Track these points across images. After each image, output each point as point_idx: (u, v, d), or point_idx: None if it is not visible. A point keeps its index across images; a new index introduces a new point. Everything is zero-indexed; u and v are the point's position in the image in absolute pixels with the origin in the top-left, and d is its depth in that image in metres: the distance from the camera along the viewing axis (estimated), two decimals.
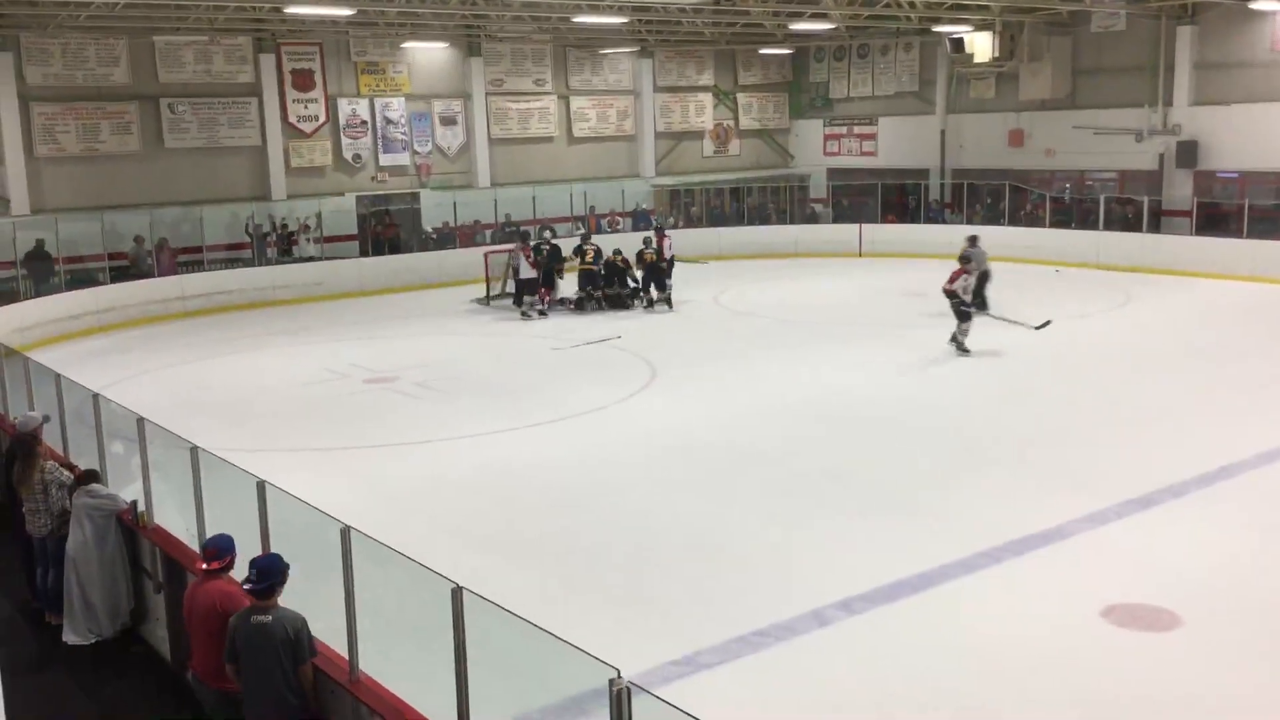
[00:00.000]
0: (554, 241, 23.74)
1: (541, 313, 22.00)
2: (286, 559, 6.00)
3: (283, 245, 25.68)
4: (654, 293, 22.25)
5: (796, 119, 35.68)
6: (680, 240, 28.27)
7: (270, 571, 5.81)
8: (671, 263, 22.61)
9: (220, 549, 6.29)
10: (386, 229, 27.34)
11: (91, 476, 8.47)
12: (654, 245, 22.43)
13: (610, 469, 12.36)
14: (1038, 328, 17.90)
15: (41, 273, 21.79)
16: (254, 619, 5.76)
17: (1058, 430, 13.22)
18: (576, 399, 15.23)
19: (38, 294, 21.16)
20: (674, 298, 22.32)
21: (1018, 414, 14.04)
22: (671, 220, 31.46)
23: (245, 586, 5.82)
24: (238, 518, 6.80)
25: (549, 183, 30.26)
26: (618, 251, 22.96)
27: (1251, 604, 8.48)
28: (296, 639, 5.72)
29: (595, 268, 22.48)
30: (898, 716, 7.11)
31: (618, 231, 28.89)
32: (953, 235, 28.17)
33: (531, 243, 23.13)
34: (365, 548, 5.67)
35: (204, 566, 6.30)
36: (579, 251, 22.86)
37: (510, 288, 23.19)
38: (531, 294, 22.14)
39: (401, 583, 6.10)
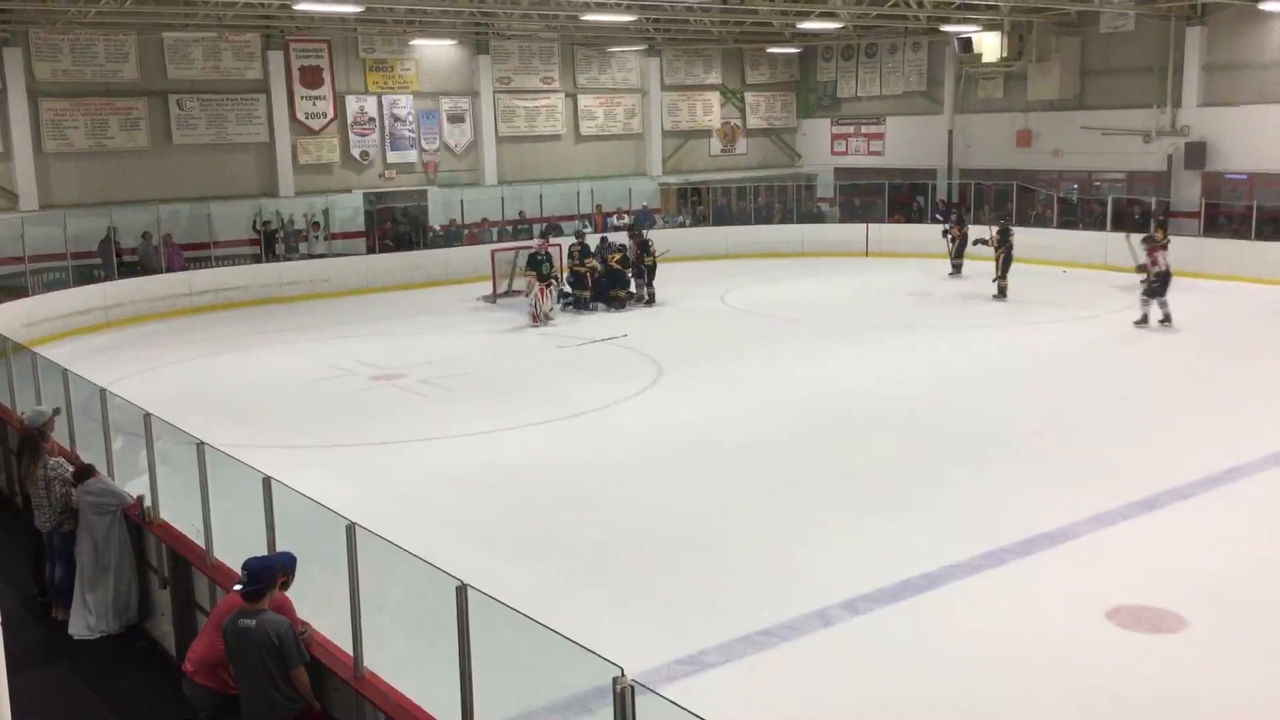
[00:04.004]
0: (585, 240, 23.64)
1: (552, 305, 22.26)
2: (292, 555, 5.99)
3: (290, 242, 25.71)
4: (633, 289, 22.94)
5: (804, 118, 35.63)
6: (687, 239, 28.40)
7: (261, 575, 5.76)
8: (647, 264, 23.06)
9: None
10: (383, 228, 27.31)
11: (87, 472, 8.47)
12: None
13: (616, 466, 12.36)
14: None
15: (109, 260, 22.80)
16: (241, 622, 5.73)
17: (1064, 431, 13.20)
18: (582, 396, 15.24)
19: (105, 279, 22.46)
20: (662, 295, 22.98)
21: (1024, 414, 14.01)
22: (682, 219, 31.48)
23: (235, 588, 5.79)
24: (244, 514, 6.81)
25: (556, 180, 30.29)
26: (620, 250, 22.98)
27: (1258, 606, 8.46)
28: (281, 645, 5.66)
29: (584, 269, 22.50)
30: (902, 716, 7.10)
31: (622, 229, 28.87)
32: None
33: (553, 239, 23.50)
34: (370, 544, 5.68)
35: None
36: (570, 253, 22.92)
37: (516, 286, 23.50)
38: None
39: (406, 579, 6.11)
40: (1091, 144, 27.65)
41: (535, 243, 23.82)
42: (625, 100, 32.27)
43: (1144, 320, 18.94)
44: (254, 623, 5.70)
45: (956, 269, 25.35)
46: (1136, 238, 20.96)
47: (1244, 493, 10.98)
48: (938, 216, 27.83)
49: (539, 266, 21.58)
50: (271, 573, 5.81)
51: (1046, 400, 14.68)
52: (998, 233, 22.61)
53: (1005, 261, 22.24)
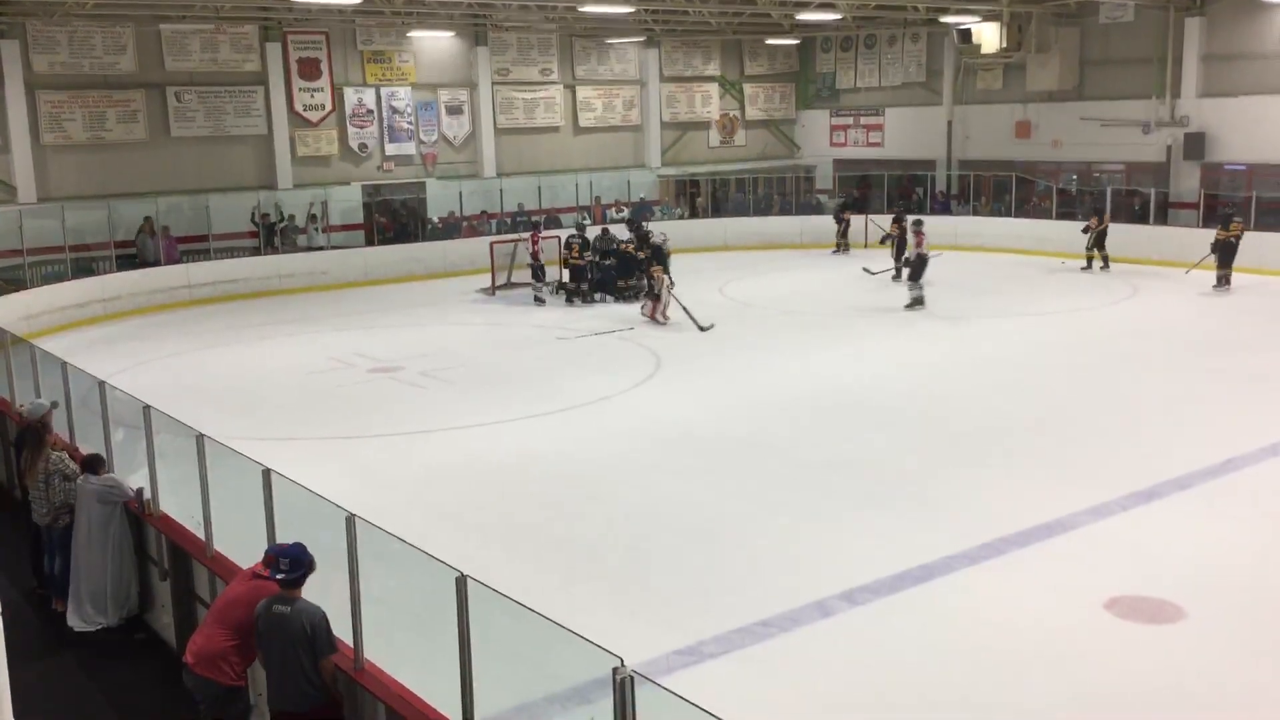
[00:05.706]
0: (586, 234, 23.63)
1: (539, 299, 22.31)
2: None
3: (289, 234, 25.68)
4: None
5: (803, 109, 35.57)
6: (685, 231, 28.39)
7: (301, 562, 5.79)
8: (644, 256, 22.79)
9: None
10: (387, 226, 27.25)
11: (94, 462, 8.48)
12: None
13: (614, 459, 12.37)
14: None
15: (147, 250, 23.62)
16: (275, 608, 5.76)
17: (1062, 422, 13.21)
18: (580, 389, 15.24)
19: (147, 265, 23.28)
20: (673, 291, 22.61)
21: (1022, 406, 14.03)
22: (680, 212, 31.48)
23: (278, 577, 5.78)
24: (243, 505, 6.82)
25: (555, 172, 30.27)
26: (630, 242, 22.97)
27: (1255, 597, 8.49)
28: (314, 633, 5.68)
29: (581, 261, 22.48)
30: (900, 707, 7.12)
31: (620, 221, 28.84)
32: (958, 227, 28.28)
33: (543, 234, 23.45)
34: (370, 536, 5.69)
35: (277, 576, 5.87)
36: (567, 245, 22.89)
37: (516, 278, 23.55)
38: (538, 280, 22.49)
39: (406, 571, 6.12)
40: (1090, 135, 27.63)
41: (525, 235, 23.84)
42: (624, 92, 32.21)
43: (917, 304, 20.25)
44: (289, 610, 5.72)
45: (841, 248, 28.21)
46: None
47: (1241, 483, 11.00)
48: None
49: (665, 259, 20.76)
50: (310, 557, 5.83)
51: (1043, 392, 14.69)
52: (894, 221, 24.27)
53: (899, 246, 23.55)
